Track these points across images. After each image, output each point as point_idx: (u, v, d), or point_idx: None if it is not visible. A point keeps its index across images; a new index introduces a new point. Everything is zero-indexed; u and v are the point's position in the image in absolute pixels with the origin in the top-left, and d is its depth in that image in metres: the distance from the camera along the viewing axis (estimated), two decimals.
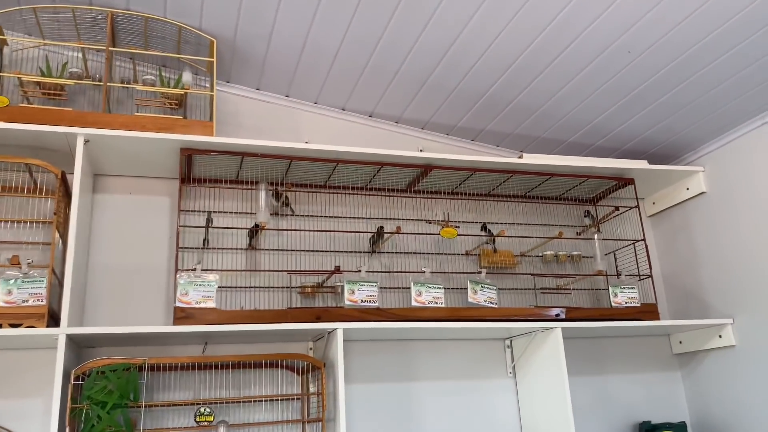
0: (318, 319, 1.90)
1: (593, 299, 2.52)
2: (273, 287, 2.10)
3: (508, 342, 2.34)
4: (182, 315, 1.79)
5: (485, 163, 2.20)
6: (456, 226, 2.21)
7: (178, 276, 1.81)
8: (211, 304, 1.82)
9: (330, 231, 2.21)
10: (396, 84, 2.26)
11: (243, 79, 2.30)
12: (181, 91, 1.99)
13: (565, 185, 2.44)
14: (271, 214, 2.20)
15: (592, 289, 2.51)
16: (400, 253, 2.31)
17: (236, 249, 2.12)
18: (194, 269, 1.85)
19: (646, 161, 2.39)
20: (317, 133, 2.38)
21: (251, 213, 2.17)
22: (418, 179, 2.29)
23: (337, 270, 1.99)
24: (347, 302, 1.94)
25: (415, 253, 2.32)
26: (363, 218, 2.29)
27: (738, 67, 2.02)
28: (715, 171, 2.43)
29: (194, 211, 2.10)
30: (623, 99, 2.25)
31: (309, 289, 2.12)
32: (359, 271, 2.00)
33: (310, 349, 2.10)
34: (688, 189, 2.51)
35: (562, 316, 2.16)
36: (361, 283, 1.96)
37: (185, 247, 2.06)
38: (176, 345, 1.97)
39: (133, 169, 2.08)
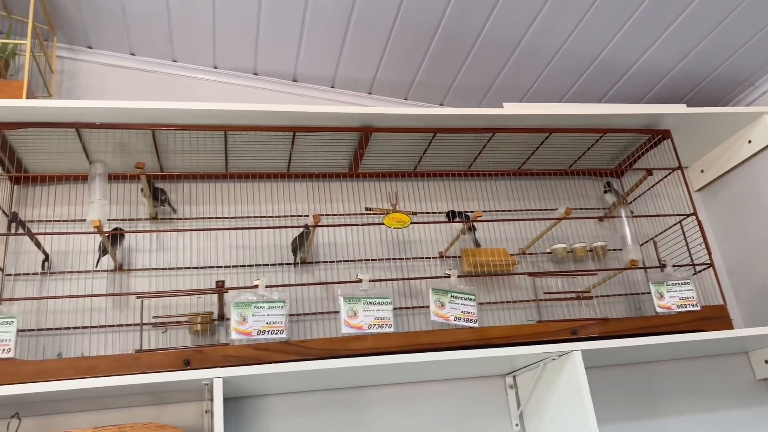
0: (187, 365, 1.21)
1: (632, 307, 1.77)
2: (122, 326, 1.42)
3: (510, 380, 1.60)
4: None
5: (447, 117, 1.51)
6: (412, 213, 1.51)
7: None
8: (7, 354, 1.15)
9: (215, 229, 1.53)
10: (312, 28, 1.60)
11: (109, 43, 1.67)
12: None
13: (574, 148, 1.73)
14: (152, 218, 1.55)
15: (627, 294, 1.76)
16: (342, 262, 1.62)
17: (82, 272, 1.45)
18: None
19: (684, 105, 1.67)
20: None
21: (115, 219, 1.52)
22: (359, 154, 1.62)
23: (221, 288, 1.30)
24: (234, 335, 1.24)
25: (362, 260, 1.62)
26: (276, 216, 1.61)
27: None
28: None
29: (37, 221, 1.46)
30: (634, 15, 1.54)
31: (199, 321, 1.43)
32: (255, 286, 1.31)
33: (206, 411, 1.40)
34: (750, 142, 1.77)
35: (584, 333, 1.43)
36: (258, 306, 1.27)
37: (15, 274, 1.42)
38: None
39: None
